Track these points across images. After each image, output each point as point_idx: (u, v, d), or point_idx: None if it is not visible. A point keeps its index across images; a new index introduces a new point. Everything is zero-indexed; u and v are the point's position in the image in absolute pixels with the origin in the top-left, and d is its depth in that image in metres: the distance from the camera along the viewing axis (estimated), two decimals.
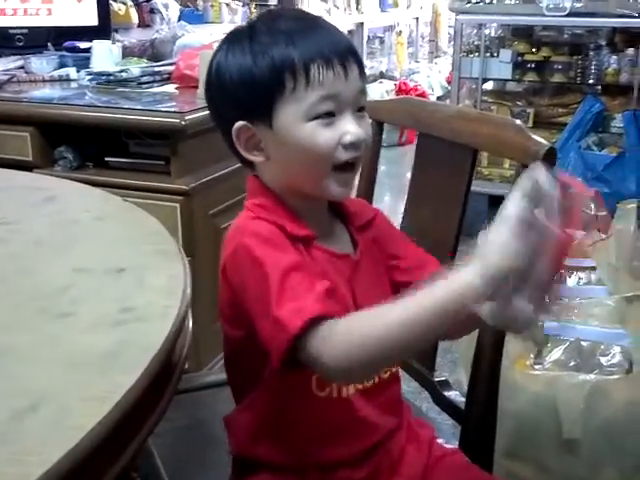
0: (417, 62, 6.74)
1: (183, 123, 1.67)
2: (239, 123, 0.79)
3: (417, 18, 7.10)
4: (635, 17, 2.96)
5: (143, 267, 0.84)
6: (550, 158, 0.87)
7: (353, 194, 1.17)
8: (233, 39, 0.81)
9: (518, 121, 0.96)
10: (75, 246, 0.93)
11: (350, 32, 5.84)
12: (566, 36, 3.42)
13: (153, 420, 0.66)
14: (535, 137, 0.90)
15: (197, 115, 1.70)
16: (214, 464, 1.04)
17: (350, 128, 0.77)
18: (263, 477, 0.85)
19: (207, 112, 1.66)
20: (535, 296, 0.64)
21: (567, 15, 3.05)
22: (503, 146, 0.97)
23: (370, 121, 0.83)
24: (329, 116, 0.77)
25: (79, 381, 0.60)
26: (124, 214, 1.06)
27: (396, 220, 1.15)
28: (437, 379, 1.08)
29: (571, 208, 0.65)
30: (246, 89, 0.78)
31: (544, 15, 3.10)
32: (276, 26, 0.79)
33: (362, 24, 5.81)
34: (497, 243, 0.62)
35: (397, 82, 5.70)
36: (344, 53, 0.78)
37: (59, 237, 0.96)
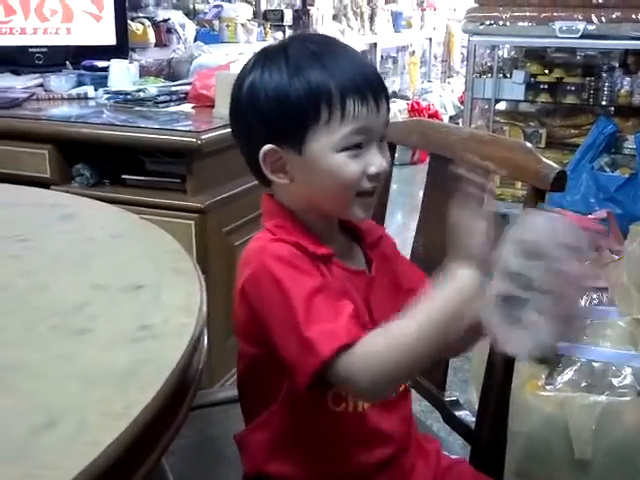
0: (430, 82, 6.77)
1: (199, 142, 1.69)
2: (268, 146, 0.80)
3: (430, 39, 7.14)
4: None
5: (160, 284, 0.85)
6: (560, 181, 0.88)
7: None
8: (267, 59, 0.81)
9: (529, 144, 0.97)
10: (92, 263, 0.94)
11: (364, 52, 5.89)
12: (579, 58, 3.43)
13: (168, 437, 0.66)
14: (545, 160, 0.91)
15: (213, 134, 1.73)
16: None
17: (375, 160, 0.80)
18: None
19: (222, 131, 1.72)
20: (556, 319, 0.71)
21: (580, 37, 3.07)
22: (514, 169, 0.97)
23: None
24: (357, 147, 0.79)
25: (96, 398, 0.61)
26: (141, 232, 1.08)
27: (408, 237, 1.16)
28: (447, 399, 1.08)
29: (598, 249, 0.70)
30: (281, 112, 0.78)
31: (557, 37, 3.12)
32: (310, 52, 0.79)
33: (376, 44, 5.86)
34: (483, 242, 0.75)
35: (410, 101, 5.73)
36: (377, 88, 0.80)
37: (76, 254, 0.98)
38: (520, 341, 0.74)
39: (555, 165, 0.89)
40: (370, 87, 0.79)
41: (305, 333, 0.71)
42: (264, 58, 0.82)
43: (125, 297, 0.82)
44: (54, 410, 0.59)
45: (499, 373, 0.97)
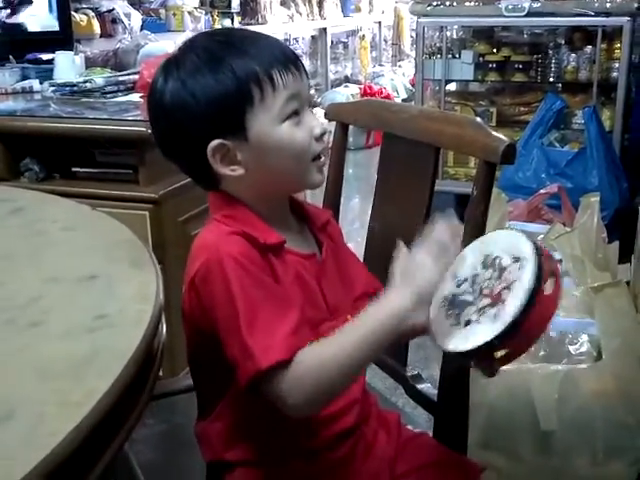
0: (381, 65, 6.78)
1: (150, 131, 1.66)
2: (214, 142, 0.80)
3: (379, 22, 7.14)
4: (591, 16, 3.03)
5: (114, 274, 0.85)
6: (510, 154, 0.89)
7: (320, 198, 1.20)
8: (180, 65, 0.81)
9: (478, 118, 0.98)
10: (44, 257, 0.93)
11: (314, 37, 5.87)
12: (525, 36, 3.48)
13: (130, 425, 0.66)
14: (495, 133, 0.92)
15: None
16: (191, 468, 1.05)
17: (315, 122, 0.83)
18: (242, 472, 0.87)
19: None
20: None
21: (526, 15, 3.11)
22: (465, 144, 0.99)
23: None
24: (296, 115, 0.81)
25: (53, 388, 0.61)
26: (93, 223, 1.06)
27: (366, 221, 1.16)
28: (409, 373, 1.09)
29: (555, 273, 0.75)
30: (215, 108, 0.79)
31: (503, 16, 3.15)
32: (220, 41, 0.82)
33: (325, 29, 5.84)
34: (422, 268, 0.77)
35: (362, 86, 5.74)
36: (293, 56, 0.83)
37: (28, 248, 0.96)
38: (458, 339, 0.77)
39: (504, 138, 0.90)
40: (288, 57, 0.82)
41: (246, 339, 0.73)
42: (176, 65, 0.81)
43: (79, 288, 0.81)
44: (11, 403, 0.58)
45: None
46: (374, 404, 0.96)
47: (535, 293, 0.72)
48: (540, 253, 0.75)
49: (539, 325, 0.76)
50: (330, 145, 0.99)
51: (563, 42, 3.36)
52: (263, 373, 0.72)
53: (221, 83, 0.78)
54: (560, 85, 3.40)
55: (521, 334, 0.74)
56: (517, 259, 0.76)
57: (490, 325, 0.74)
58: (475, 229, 0.94)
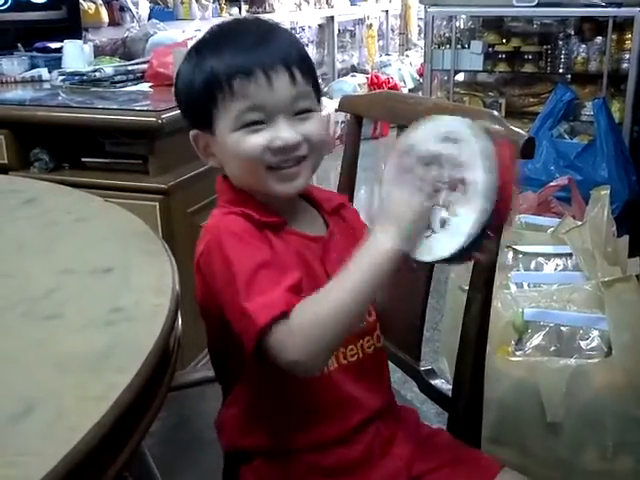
0: (388, 55, 6.75)
1: (160, 121, 1.66)
2: (193, 131, 0.87)
3: (387, 11, 7.12)
4: (602, 6, 3.00)
5: (130, 267, 0.84)
6: (529, 148, 0.88)
7: (334, 189, 1.19)
8: (191, 50, 0.86)
9: (495, 112, 0.97)
10: (58, 248, 0.92)
11: (320, 26, 5.85)
12: (535, 26, 3.47)
13: (148, 419, 0.66)
14: (512, 127, 0.91)
15: (173, 113, 1.69)
16: (204, 461, 1.05)
17: (281, 134, 0.80)
18: (258, 463, 0.87)
19: None
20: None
21: (536, 5, 3.09)
22: None
23: (327, 118, 0.86)
24: (257, 124, 0.80)
25: (73, 382, 0.60)
26: (107, 214, 1.06)
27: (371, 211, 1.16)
28: (423, 368, 1.09)
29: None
30: (191, 100, 0.85)
31: (513, 6, 3.14)
32: (215, 40, 0.84)
33: (332, 18, 5.82)
34: (392, 199, 0.76)
35: (369, 75, 5.72)
36: (270, 63, 0.79)
37: (42, 240, 0.96)
38: (436, 245, 0.75)
39: (523, 132, 0.90)
40: (259, 63, 0.79)
41: (244, 304, 0.74)
42: (190, 50, 0.87)
43: (94, 280, 0.81)
44: (31, 397, 0.58)
45: (474, 341, 0.98)
46: (393, 401, 0.95)
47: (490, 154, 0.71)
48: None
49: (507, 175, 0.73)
50: (339, 135, 0.96)
51: (573, 33, 3.35)
52: (263, 331, 0.72)
53: (195, 78, 0.83)
54: (570, 76, 3.39)
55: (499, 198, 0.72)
56: (455, 140, 0.74)
57: (466, 213, 0.72)
58: None
